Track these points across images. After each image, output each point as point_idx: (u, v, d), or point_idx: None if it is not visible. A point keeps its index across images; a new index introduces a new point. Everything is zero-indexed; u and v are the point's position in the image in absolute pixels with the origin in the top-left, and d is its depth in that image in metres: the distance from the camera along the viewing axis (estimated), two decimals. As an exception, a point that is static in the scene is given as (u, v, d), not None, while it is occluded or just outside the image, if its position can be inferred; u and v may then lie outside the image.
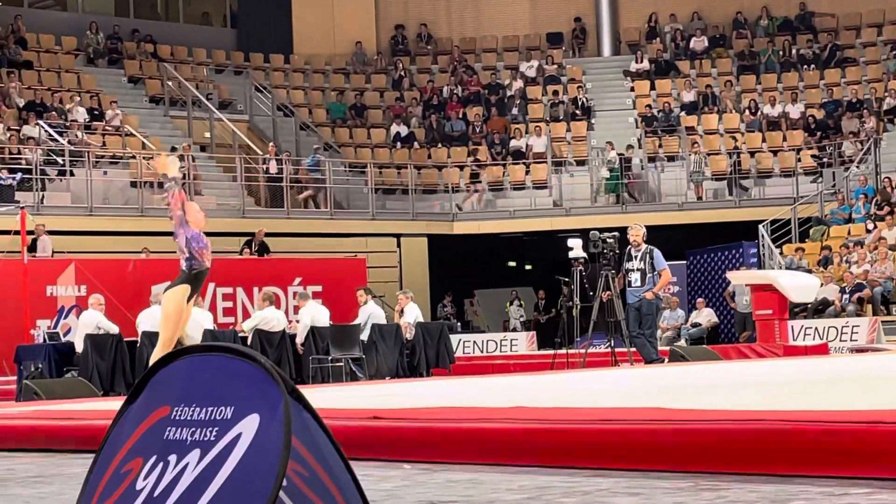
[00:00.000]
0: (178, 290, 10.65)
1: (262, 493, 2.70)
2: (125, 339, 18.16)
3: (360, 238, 29.56)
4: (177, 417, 2.90)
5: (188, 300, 10.68)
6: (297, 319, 20.33)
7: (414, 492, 5.38)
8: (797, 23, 36.83)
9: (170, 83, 32.77)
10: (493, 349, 27.01)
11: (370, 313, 20.24)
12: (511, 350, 26.78)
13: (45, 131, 28.15)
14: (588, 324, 18.45)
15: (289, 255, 26.48)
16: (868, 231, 27.61)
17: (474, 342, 27.44)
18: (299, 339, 19.50)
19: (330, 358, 19.24)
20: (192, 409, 2.90)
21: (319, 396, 10.25)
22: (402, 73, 36.81)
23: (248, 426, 2.81)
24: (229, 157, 30.30)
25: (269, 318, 19.20)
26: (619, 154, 31.97)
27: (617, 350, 18.24)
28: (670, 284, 26.12)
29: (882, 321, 23.78)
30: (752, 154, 32.67)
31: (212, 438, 2.83)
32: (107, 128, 29.84)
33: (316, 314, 19.88)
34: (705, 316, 27.40)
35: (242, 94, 33.88)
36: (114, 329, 18.16)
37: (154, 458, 2.87)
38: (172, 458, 2.85)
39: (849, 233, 28.39)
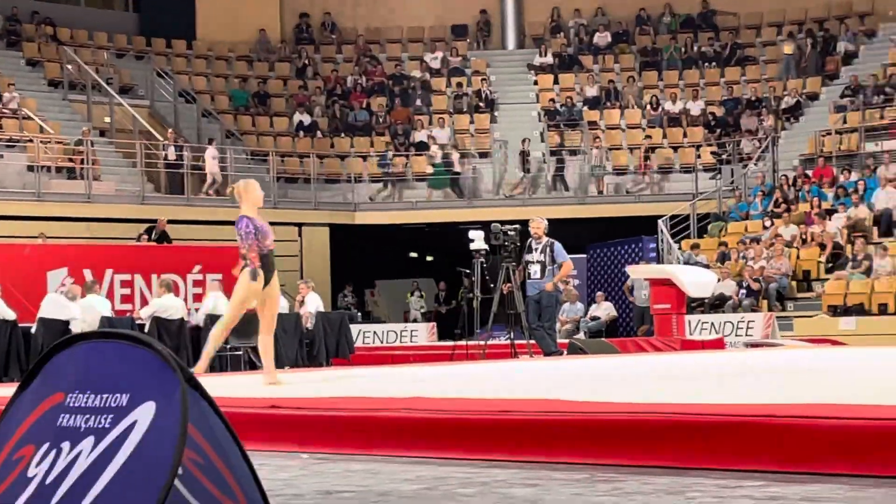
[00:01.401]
0: (249, 282, 10.97)
1: (157, 480, 2.68)
2: (20, 325, 17.91)
3: (261, 227, 29.34)
4: (71, 404, 2.86)
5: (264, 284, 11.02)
6: (196, 308, 20.17)
7: (311, 481, 5.36)
8: (699, 20, 37.22)
9: (69, 67, 32.32)
10: (393, 340, 27.01)
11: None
12: (411, 341, 26.80)
13: (-59, 113, 27.66)
14: (488, 315, 18.51)
15: (189, 243, 26.25)
16: (765, 228, 27.99)
17: (374, 332, 27.42)
18: (200, 322, 19.35)
19: (229, 346, 19.10)
20: (86, 395, 2.86)
21: (217, 385, 10.18)
22: (306, 62, 36.64)
23: (144, 414, 2.78)
24: (129, 143, 29.97)
25: (167, 306, 19.04)
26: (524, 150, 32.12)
27: (516, 342, 18.31)
28: (570, 277, 26.29)
29: (777, 316, 24.13)
30: (652, 150, 32.97)
31: (106, 426, 2.80)
32: (4, 111, 29.37)
33: (219, 303, 19.74)
34: (605, 309, 27.62)
35: (144, 80, 33.50)
36: (10, 315, 17.90)
37: (47, 445, 2.83)
38: (66, 445, 2.81)
39: (746, 229, 28.75)
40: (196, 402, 2.82)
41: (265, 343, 11.15)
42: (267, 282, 11.04)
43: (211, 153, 30.09)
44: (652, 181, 31.91)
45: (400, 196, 32.40)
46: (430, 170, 32.22)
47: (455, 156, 32.33)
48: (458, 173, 32.15)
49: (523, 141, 32.27)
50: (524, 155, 32.16)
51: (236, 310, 11.06)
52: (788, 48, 34.83)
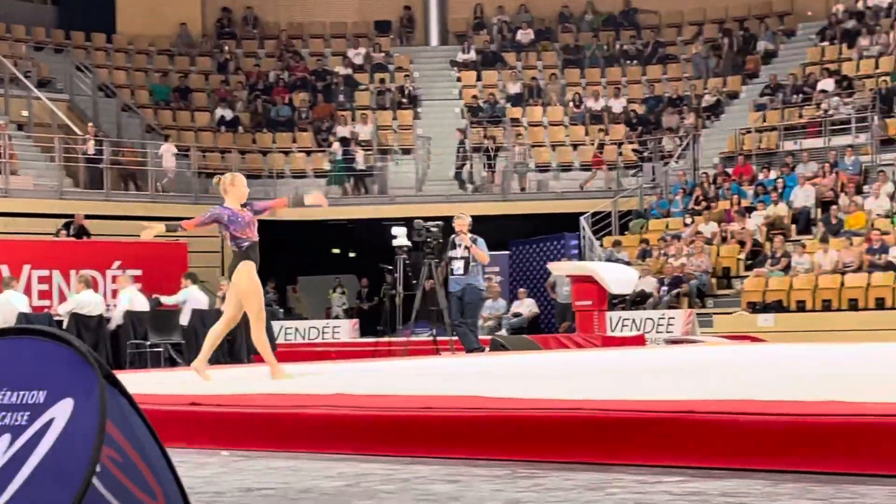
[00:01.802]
0: (242, 267, 11.13)
1: (74, 478, 2.65)
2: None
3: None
4: (-14, 401, 2.82)
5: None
6: (114, 304, 20.01)
7: (232, 479, 5.33)
8: (621, 19, 37.44)
9: (-13, 59, 31.90)
10: (315, 336, 26.93)
11: (189, 295, 20.00)
12: (333, 337, 26.74)
13: None
14: (411, 312, 18.51)
15: (108, 239, 25.99)
16: (686, 225, 28.22)
17: (296, 329, 27.32)
18: (117, 320, 19.20)
19: (149, 343, 18.97)
20: (2, 392, 2.82)
21: (137, 382, 10.10)
22: (228, 57, 36.42)
23: (62, 410, 2.75)
24: (48, 137, 29.63)
25: (86, 302, 18.85)
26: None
27: (439, 338, 18.33)
28: (492, 274, 26.37)
29: (697, 313, 24.35)
30: (574, 147, 33.13)
31: (23, 423, 2.77)
32: (-80, 103, 28.95)
33: (135, 298, 19.60)
34: (527, 306, 27.71)
35: (63, 73, 33.12)
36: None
37: (-38, 443, 2.79)
38: (-19, 443, 2.77)
39: (667, 226, 28.97)
40: (115, 399, 2.79)
41: (259, 339, 11.15)
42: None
43: (169, 149, 29.96)
44: (608, 177, 31.94)
45: (326, 193, 32.26)
46: (328, 165, 32.10)
47: (360, 153, 32.22)
48: (363, 170, 32.02)
49: (462, 139, 32.29)
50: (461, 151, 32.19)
51: (256, 299, 11.20)
52: (697, 47, 35.16)
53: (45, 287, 22.45)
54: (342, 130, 33.53)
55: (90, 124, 30.39)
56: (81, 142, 29.54)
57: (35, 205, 27.47)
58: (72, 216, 26.08)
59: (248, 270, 11.15)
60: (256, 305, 11.18)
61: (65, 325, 18.31)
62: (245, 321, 11.63)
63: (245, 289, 11.13)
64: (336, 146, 32.20)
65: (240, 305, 11.22)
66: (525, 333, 24.46)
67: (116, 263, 23.14)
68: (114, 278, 22.20)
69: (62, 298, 21.24)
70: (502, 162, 32.49)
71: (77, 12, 35.94)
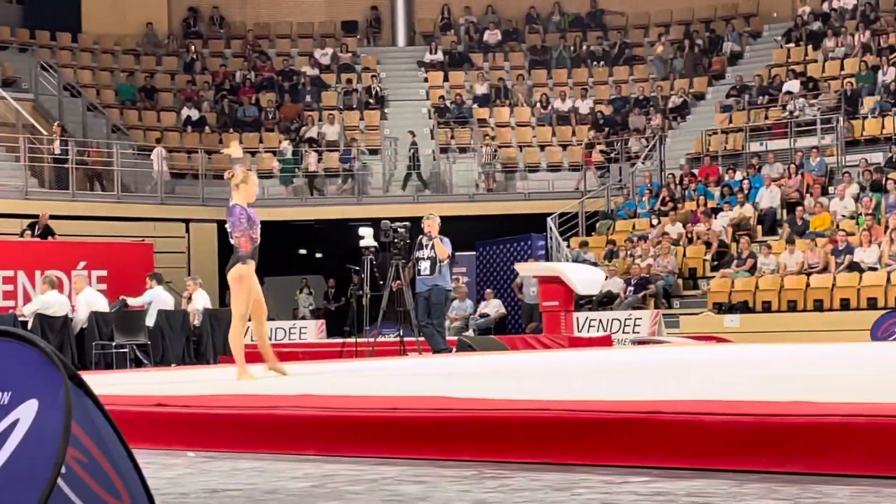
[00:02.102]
0: (243, 264, 11.10)
1: (40, 479, 2.64)
2: None
3: (147, 222, 29.07)
4: (-50, 402, 2.81)
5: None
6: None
7: (197, 480, 5.31)
8: (588, 20, 37.51)
9: (-49, 58, 31.72)
10: (281, 337, 26.87)
11: (154, 296, 19.94)
12: (300, 338, 26.69)
13: None
14: (377, 313, 18.48)
15: (73, 239, 25.88)
16: (652, 226, 28.29)
17: (263, 330, 27.21)
18: (79, 324, 19.11)
19: (114, 344, 18.89)
20: (-34, 394, 2.80)
21: (102, 382, 10.06)
22: (195, 57, 36.30)
23: (27, 412, 2.73)
24: (12, 137, 29.46)
25: (51, 303, 18.76)
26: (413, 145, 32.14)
27: (406, 339, 18.32)
28: (459, 275, 26.38)
29: (663, 314, 24.41)
30: (542, 147, 33.18)
31: (-13, 424, 2.75)
32: None
33: (94, 299, 19.52)
34: (493, 307, 27.73)
35: (27, 73, 32.93)
36: None
37: (-75, 444, 2.77)
38: (-55, 444, 2.75)
39: (633, 227, 29.04)
40: (80, 400, 2.78)
41: (235, 338, 11.11)
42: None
43: (160, 153, 29.94)
44: (596, 176, 31.98)
45: (296, 193, 32.18)
46: (278, 165, 31.98)
47: (311, 155, 32.12)
48: (313, 172, 31.90)
49: (413, 141, 32.26)
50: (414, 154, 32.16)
51: (244, 300, 11.12)
52: (660, 49, 35.28)
53: (9, 287, 22.34)
54: (309, 131, 33.49)
55: (55, 124, 30.24)
56: (47, 141, 29.40)
57: (0, 205, 27.33)
58: (37, 216, 25.95)
59: (249, 269, 11.18)
60: (244, 306, 11.18)
61: (30, 325, 18.21)
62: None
63: (241, 286, 11.18)
64: (284, 145, 32.05)
65: (247, 300, 11.17)
66: (492, 334, 24.48)
67: (82, 264, 23.04)
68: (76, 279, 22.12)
69: (27, 299, 21.14)
70: (469, 162, 32.52)
71: (42, 11, 35.75)
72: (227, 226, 11.17)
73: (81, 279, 20.33)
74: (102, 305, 19.53)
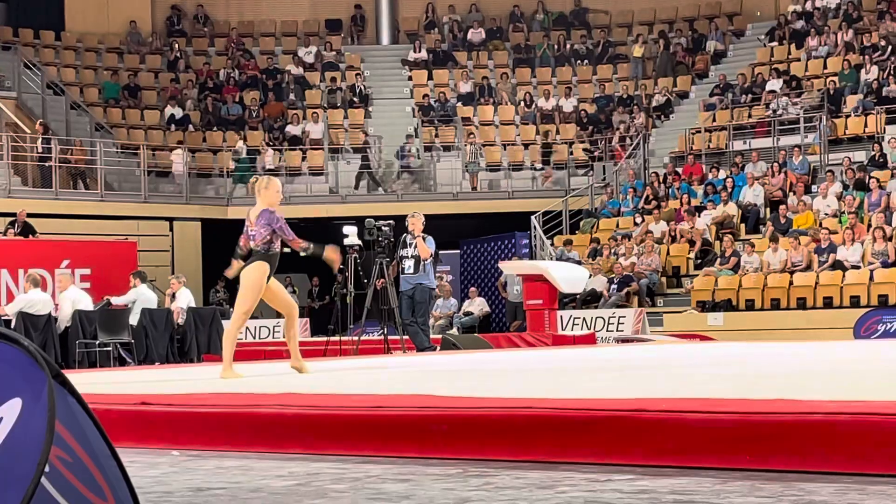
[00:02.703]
0: (256, 265, 11.06)
1: (23, 478, 2.63)
2: None
3: (131, 221, 29.03)
4: (-66, 401, 2.80)
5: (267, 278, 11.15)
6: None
7: (182, 478, 5.31)
8: (572, 18, 37.56)
9: (-66, 56, 31.61)
10: (265, 335, 26.84)
11: (139, 295, 19.91)
12: (284, 336, 26.62)
13: None
14: (362, 311, 18.49)
15: (57, 237, 25.83)
16: (636, 224, 28.33)
17: (247, 328, 27.14)
18: (63, 323, 19.07)
19: (98, 342, 18.86)
20: (-50, 392, 2.80)
21: (86, 381, 10.04)
22: (178, 55, 36.23)
23: (10, 410, 2.73)
24: (-5, 135, 29.41)
25: (34, 301, 18.71)
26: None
27: (390, 337, 18.32)
28: (443, 273, 26.38)
29: (647, 312, 24.45)
30: (525, 146, 33.20)
31: (-29, 423, 2.74)
32: None
33: (79, 298, 19.47)
34: (478, 305, 27.74)
35: (11, 71, 32.86)
36: None
37: None
38: (-72, 443, 2.75)
39: (617, 225, 29.08)
40: (64, 399, 2.77)
41: (230, 335, 11.36)
42: (269, 278, 11.23)
43: (183, 155, 30.06)
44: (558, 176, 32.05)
45: (232, 191, 32.05)
46: (233, 165, 31.89)
47: (268, 153, 32.03)
48: (270, 169, 31.79)
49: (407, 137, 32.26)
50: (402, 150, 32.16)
51: (248, 298, 11.16)
52: (638, 51, 35.33)
53: (-8, 286, 22.30)
54: (293, 129, 33.47)
55: (38, 122, 30.16)
56: (30, 140, 29.32)
57: (-18, 203, 27.28)
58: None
59: (261, 271, 11.10)
60: (248, 305, 11.20)
61: (13, 324, 18.17)
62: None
63: (249, 284, 11.11)
64: (239, 144, 31.90)
65: (251, 301, 11.19)
66: (476, 332, 24.49)
67: (65, 262, 23.00)
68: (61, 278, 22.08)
69: (10, 297, 21.08)
70: (453, 160, 32.54)
71: (25, 9, 35.67)
72: (251, 231, 11.09)
73: (66, 278, 20.29)
74: (87, 304, 19.49)
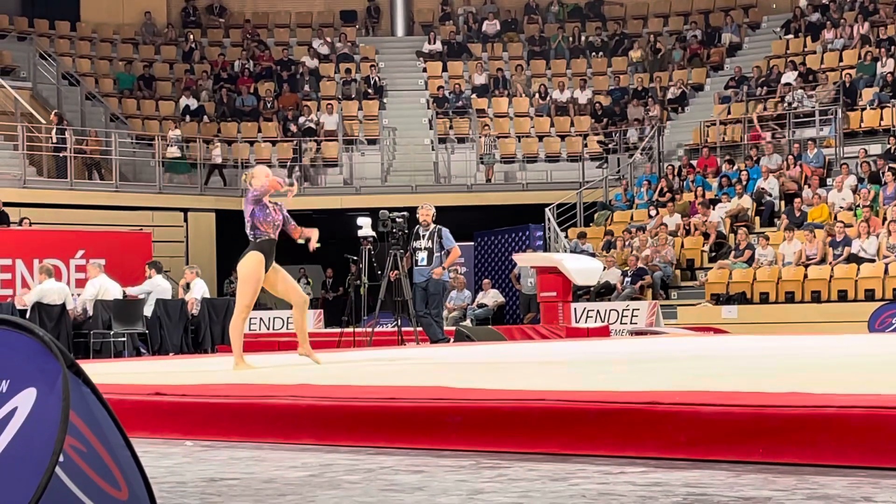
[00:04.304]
0: (249, 255, 11.04)
1: (38, 467, 2.64)
2: None
3: (146, 211, 29.08)
4: (-51, 391, 2.81)
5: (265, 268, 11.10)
6: (77, 293, 19.88)
7: (195, 469, 5.32)
8: (587, 10, 37.49)
9: (-50, 47, 31.66)
10: (279, 326, 26.88)
11: (154, 286, 19.93)
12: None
13: None
14: (375, 302, 18.49)
15: (71, 228, 25.87)
16: (650, 217, 28.29)
17: (261, 319, 27.27)
18: (80, 309, 19.08)
19: (112, 332, 18.89)
20: (-35, 382, 2.81)
21: (100, 371, 10.06)
22: (193, 46, 36.26)
23: (25, 400, 2.74)
24: (11, 126, 29.45)
25: (48, 291, 18.74)
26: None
27: (403, 329, 18.33)
28: (458, 265, 26.37)
29: (661, 305, 24.42)
30: (540, 138, 33.17)
31: (-15, 413, 2.75)
32: None
33: (107, 286, 19.48)
34: (491, 297, 27.74)
35: (26, 61, 32.92)
36: None
37: (-76, 432, 2.78)
38: (-57, 432, 2.76)
39: (631, 218, 29.05)
40: (78, 389, 2.78)
41: (235, 327, 11.29)
42: (267, 267, 11.16)
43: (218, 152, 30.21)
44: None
45: (169, 179, 31.91)
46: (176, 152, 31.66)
47: (215, 146, 31.84)
48: (218, 164, 31.64)
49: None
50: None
51: (246, 290, 11.14)
52: (636, 55, 35.23)
53: (7, 276, 22.33)
54: (307, 120, 33.48)
55: (53, 112, 30.21)
56: (45, 130, 29.37)
57: (-2, 193, 27.32)
58: (36, 205, 25.90)
59: (254, 260, 11.06)
60: (249, 297, 11.16)
61: (28, 314, 18.21)
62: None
63: (244, 276, 11.10)
64: (172, 134, 31.43)
65: (250, 292, 11.17)
66: (490, 324, 24.49)
67: (80, 252, 23.04)
68: (77, 267, 22.11)
69: (25, 287, 21.12)
70: (467, 152, 32.54)
71: (41, 0, 35.70)
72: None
73: (95, 267, 20.25)
74: (114, 293, 19.48)
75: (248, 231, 11.15)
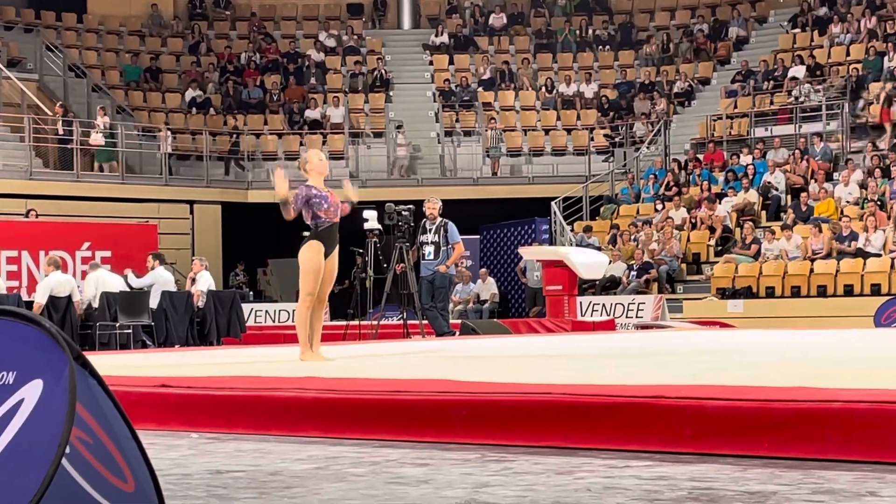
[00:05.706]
0: (308, 244, 11.04)
1: (44, 459, 2.64)
2: None
3: (152, 204, 29.08)
4: (-44, 382, 2.81)
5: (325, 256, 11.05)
6: (81, 286, 19.89)
7: (201, 461, 5.33)
8: (594, 4, 37.46)
9: (-44, 38, 31.67)
10: (285, 319, 26.87)
11: (157, 278, 19.94)
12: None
13: None
14: (381, 295, 18.49)
15: (77, 219, 25.89)
16: (656, 211, 28.28)
17: (266, 311, 27.27)
18: (84, 305, 19.11)
19: (118, 325, 18.90)
20: (-28, 373, 2.81)
21: (106, 363, 10.07)
22: (200, 38, 36.27)
23: (31, 392, 2.74)
24: (17, 117, 29.46)
25: (55, 283, 18.75)
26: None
27: (409, 322, 18.33)
28: (463, 258, 26.37)
29: (666, 299, 24.42)
30: (546, 132, 33.16)
31: (-8, 404, 2.76)
32: None
33: (106, 280, 19.49)
34: (487, 287, 27.79)
35: (33, 53, 32.92)
36: None
37: (-70, 423, 2.78)
38: (-50, 423, 2.76)
39: (637, 212, 29.03)
40: (85, 381, 2.78)
41: (300, 317, 11.21)
42: (327, 254, 11.11)
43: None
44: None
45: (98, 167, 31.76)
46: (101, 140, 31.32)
47: (164, 134, 31.58)
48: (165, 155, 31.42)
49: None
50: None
51: (308, 279, 11.05)
52: (650, 49, 35.20)
53: (13, 268, 22.37)
54: (314, 113, 33.48)
55: (58, 104, 30.19)
56: (51, 122, 29.37)
57: (4, 185, 27.33)
58: (42, 197, 25.91)
59: (313, 249, 11.04)
60: (311, 285, 11.05)
61: (42, 311, 18.20)
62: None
63: (304, 265, 11.05)
64: (99, 123, 30.95)
65: (311, 282, 11.10)
66: (495, 318, 24.50)
67: (86, 244, 23.07)
68: (83, 259, 22.14)
69: (31, 279, 21.14)
70: (473, 146, 32.52)
71: (48, -8, 35.73)
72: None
73: (94, 265, 20.26)
74: (114, 286, 19.48)
75: (309, 222, 11.11)
